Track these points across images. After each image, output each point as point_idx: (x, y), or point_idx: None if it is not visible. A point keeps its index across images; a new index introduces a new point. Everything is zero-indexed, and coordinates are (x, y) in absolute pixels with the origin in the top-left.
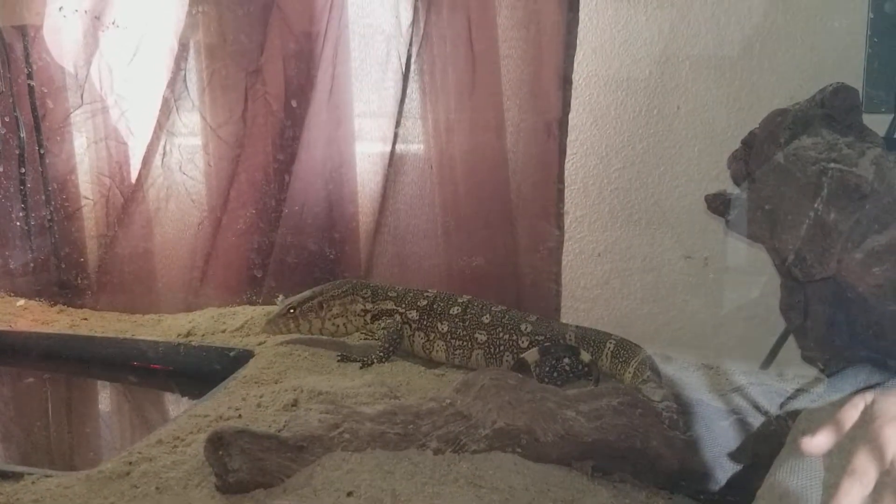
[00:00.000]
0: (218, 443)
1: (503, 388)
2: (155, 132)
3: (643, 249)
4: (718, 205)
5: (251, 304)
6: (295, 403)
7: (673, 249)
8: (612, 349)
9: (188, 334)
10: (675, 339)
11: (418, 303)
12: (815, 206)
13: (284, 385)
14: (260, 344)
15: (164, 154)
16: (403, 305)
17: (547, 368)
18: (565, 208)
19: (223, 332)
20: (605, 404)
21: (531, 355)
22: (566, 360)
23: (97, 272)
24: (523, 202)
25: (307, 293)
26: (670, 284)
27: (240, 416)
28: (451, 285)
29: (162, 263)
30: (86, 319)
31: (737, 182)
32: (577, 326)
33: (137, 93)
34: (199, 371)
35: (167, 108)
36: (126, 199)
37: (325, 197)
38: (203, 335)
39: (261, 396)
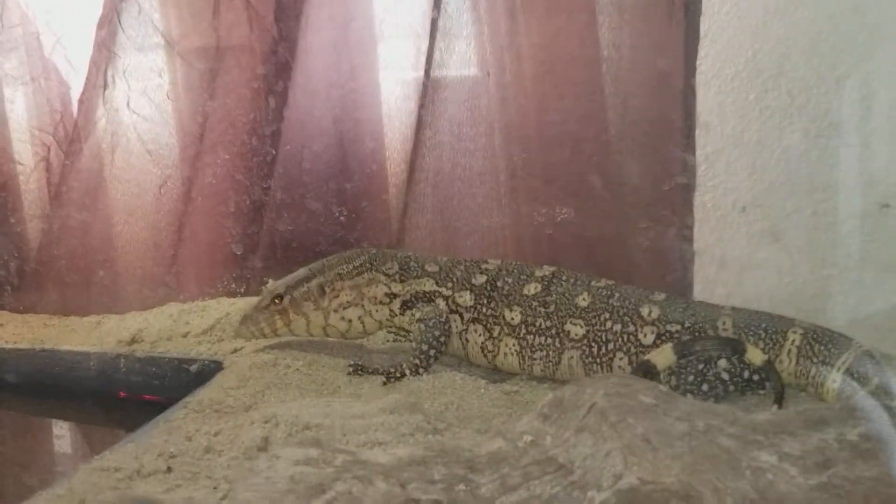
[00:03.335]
0: None
1: (631, 412)
2: (93, 57)
3: (814, 196)
4: None
5: (229, 294)
6: (264, 446)
7: (862, 194)
8: (797, 343)
9: (132, 341)
10: (869, 323)
11: (473, 279)
12: None
13: (256, 415)
14: (234, 352)
15: (106, 86)
16: (450, 284)
17: (690, 377)
18: (697, 132)
19: (185, 336)
20: (833, 439)
21: (662, 356)
22: (722, 363)
23: (19, 261)
24: (630, 122)
25: (301, 272)
26: (858, 245)
27: (168, 469)
28: (522, 252)
29: (106, 245)
30: (0, 325)
31: None
32: (734, 309)
33: (76, 6)
34: (145, 392)
35: (107, 20)
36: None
37: (333, 132)
38: (155, 342)
39: (215, 434)
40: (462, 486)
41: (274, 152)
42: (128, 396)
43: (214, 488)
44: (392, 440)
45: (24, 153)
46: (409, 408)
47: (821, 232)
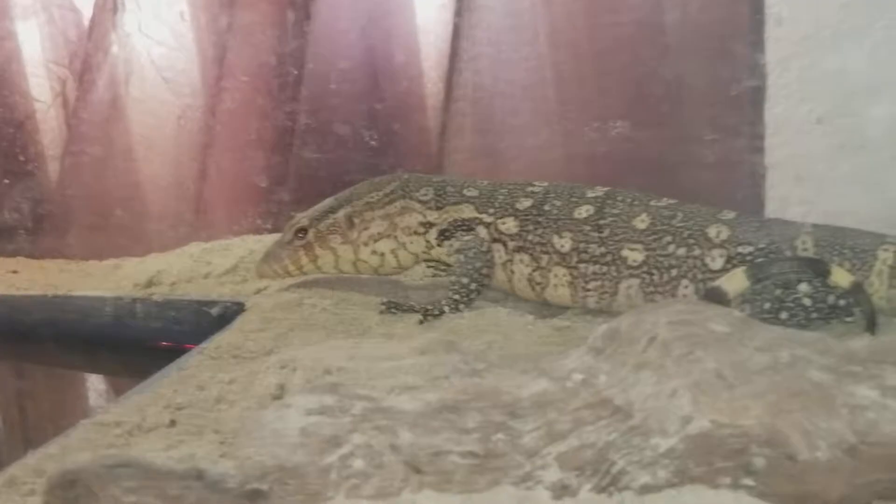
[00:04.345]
0: (65, 496)
1: (700, 343)
2: None
3: None
4: None
5: (255, 231)
6: (280, 394)
7: None
8: (890, 262)
9: (150, 284)
10: None
11: (517, 204)
12: None
13: (274, 360)
14: (258, 292)
15: (116, 9)
16: (491, 210)
17: (767, 304)
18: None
19: (206, 277)
20: None
21: (734, 282)
22: (803, 288)
23: (33, 203)
24: (691, 20)
25: (327, 202)
26: None
27: (172, 423)
28: (574, 173)
29: (124, 182)
30: (15, 272)
31: None
32: (815, 226)
33: None
34: (162, 340)
35: None
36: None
37: (360, 46)
38: (174, 284)
39: (229, 382)
40: (500, 436)
41: (296, 72)
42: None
43: (221, 443)
44: (424, 384)
45: (42, 89)
46: (444, 347)
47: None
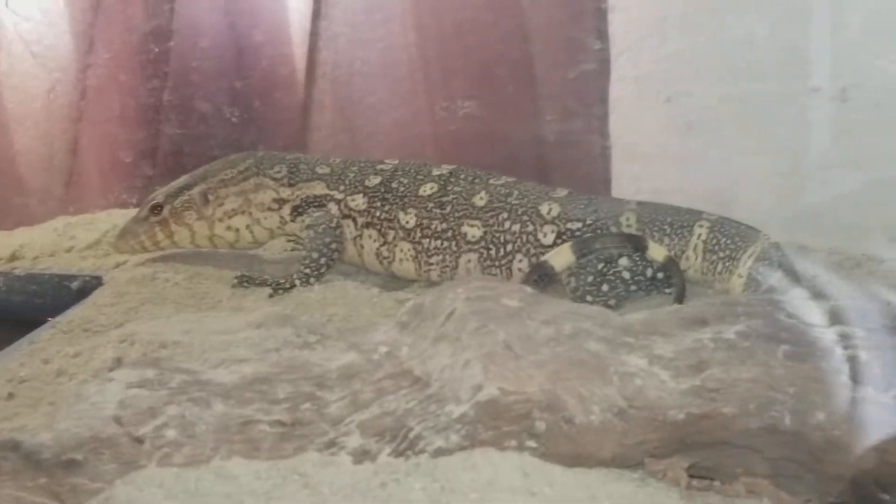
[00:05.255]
0: None
1: (493, 317)
2: None
3: (740, 86)
4: None
5: (122, 206)
6: (116, 366)
7: (793, 77)
8: (704, 237)
9: (13, 258)
10: (803, 217)
11: (366, 181)
12: None
13: (116, 334)
14: (117, 266)
15: None
16: (342, 187)
17: (590, 278)
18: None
19: (69, 251)
20: (708, 339)
21: (560, 257)
22: (623, 262)
23: None
24: (537, 5)
25: (182, 179)
26: (788, 132)
27: (10, 396)
28: (425, 152)
29: None
30: None
31: None
32: (640, 203)
33: None
34: (23, 313)
35: None
36: None
37: (222, 25)
38: (37, 258)
39: (74, 356)
40: (308, 405)
41: (157, 50)
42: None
43: (54, 414)
44: (254, 357)
45: None
46: (279, 321)
47: (741, 119)
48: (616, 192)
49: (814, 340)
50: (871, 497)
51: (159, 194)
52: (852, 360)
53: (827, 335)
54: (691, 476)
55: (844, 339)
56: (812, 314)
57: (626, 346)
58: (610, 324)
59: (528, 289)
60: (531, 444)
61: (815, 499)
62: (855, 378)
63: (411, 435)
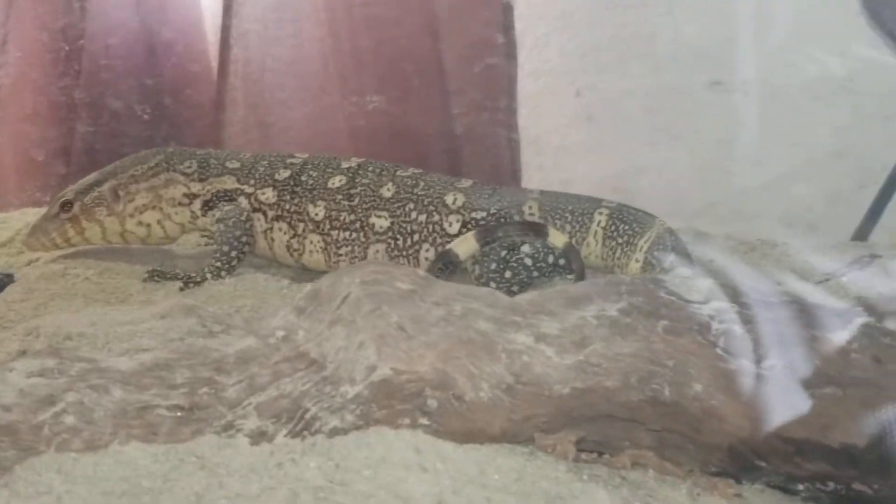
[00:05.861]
0: None
1: (387, 299)
2: None
3: (647, 78)
4: None
5: (35, 204)
6: (20, 357)
7: (692, 71)
8: (603, 224)
9: None
10: (703, 205)
11: (276, 175)
12: None
13: (22, 327)
14: (30, 263)
15: None
16: (252, 181)
17: (493, 265)
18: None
19: None
20: (592, 316)
21: (464, 245)
22: (525, 249)
23: None
24: (443, 3)
25: (92, 176)
26: (689, 125)
27: None
28: (337, 146)
29: None
30: None
31: None
32: (542, 192)
33: None
34: None
35: None
36: None
37: (133, 22)
38: None
39: None
40: (206, 389)
41: (67, 48)
42: None
43: None
44: (157, 346)
45: None
46: (183, 311)
47: (645, 112)
48: (525, 182)
49: (691, 316)
50: (749, 465)
51: (69, 191)
52: (727, 334)
53: (704, 311)
54: (580, 450)
55: (720, 314)
56: (691, 292)
57: (513, 325)
58: (499, 304)
59: (421, 272)
60: (424, 421)
61: (697, 468)
62: (729, 351)
63: (307, 416)
